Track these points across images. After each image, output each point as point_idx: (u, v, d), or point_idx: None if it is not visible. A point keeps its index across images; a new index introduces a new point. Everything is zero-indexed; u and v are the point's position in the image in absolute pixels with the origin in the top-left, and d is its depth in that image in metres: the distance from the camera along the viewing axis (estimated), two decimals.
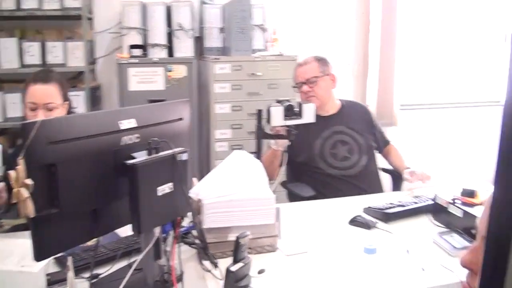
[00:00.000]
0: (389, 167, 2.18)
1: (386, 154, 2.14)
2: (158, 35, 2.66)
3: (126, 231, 1.26)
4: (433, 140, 3.35)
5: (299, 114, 1.75)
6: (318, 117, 1.89)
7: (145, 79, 2.53)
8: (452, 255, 1.38)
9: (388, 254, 1.37)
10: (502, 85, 3.50)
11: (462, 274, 0.66)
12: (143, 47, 2.64)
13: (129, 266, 1.10)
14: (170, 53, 2.71)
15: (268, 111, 1.71)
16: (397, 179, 2.11)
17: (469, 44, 3.51)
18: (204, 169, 2.76)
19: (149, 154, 1.05)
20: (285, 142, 1.82)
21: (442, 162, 3.17)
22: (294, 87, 2.08)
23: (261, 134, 1.76)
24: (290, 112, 1.74)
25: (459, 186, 1.66)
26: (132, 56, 2.56)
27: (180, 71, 2.56)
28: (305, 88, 2.00)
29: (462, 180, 1.82)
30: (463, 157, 3.35)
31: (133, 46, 2.60)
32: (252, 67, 2.59)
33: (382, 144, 2.13)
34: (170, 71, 2.55)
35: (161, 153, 1.06)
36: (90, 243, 1.17)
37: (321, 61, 2.04)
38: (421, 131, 3.33)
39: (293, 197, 1.93)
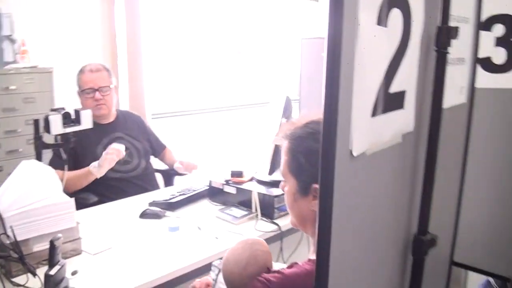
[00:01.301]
0: (162, 167, 2.41)
1: (163, 156, 2.37)
2: None
3: None
4: (189, 142, 3.74)
5: (77, 121, 1.80)
6: (99, 124, 1.99)
7: None
8: (236, 223, 1.69)
9: (184, 233, 1.59)
10: (238, 90, 4.18)
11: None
12: None
13: None
14: None
15: (47, 120, 1.70)
16: (169, 177, 2.38)
17: (208, 56, 4.04)
18: None
19: None
20: (106, 170, 1.90)
21: (207, 157, 3.57)
22: (83, 91, 2.09)
23: (41, 145, 1.73)
24: (68, 119, 1.77)
25: (228, 170, 2.00)
26: None
27: None
28: (97, 95, 2.07)
29: (229, 165, 2.18)
30: (223, 152, 3.86)
31: None
32: (5, 81, 2.42)
33: (159, 149, 2.35)
34: None
35: None
36: None
37: (109, 71, 2.16)
38: (174, 135, 3.67)
39: (79, 205, 1.95)
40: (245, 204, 1.83)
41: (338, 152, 0.60)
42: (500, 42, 1.26)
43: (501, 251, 1.29)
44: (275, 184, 1.83)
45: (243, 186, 1.87)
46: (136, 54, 3.37)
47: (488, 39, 1.25)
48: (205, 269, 1.37)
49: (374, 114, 0.68)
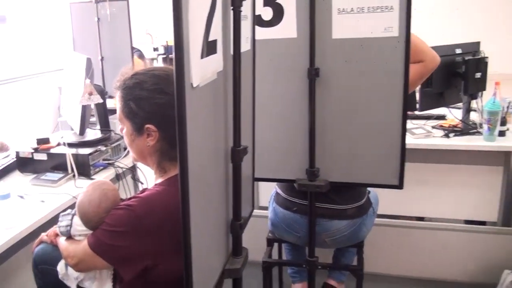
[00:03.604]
0: None
1: None
2: None
3: None
4: None
5: None
6: None
7: None
8: (55, 186, 1.81)
9: (8, 204, 1.64)
10: None
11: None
12: None
13: None
14: None
15: None
16: None
17: None
18: None
19: None
20: None
21: None
22: None
23: None
24: None
25: (32, 139, 2.05)
26: None
27: None
28: None
29: (30, 135, 2.20)
30: None
31: None
32: None
33: None
34: None
35: None
36: None
37: None
38: None
39: None
40: (59, 168, 1.94)
41: (186, 84, 0.88)
42: (266, 2, 1.67)
43: (285, 160, 1.77)
44: (86, 143, 1.98)
45: (54, 151, 1.96)
46: None
47: (258, 0, 1.65)
48: (40, 231, 1.50)
49: (202, 56, 0.98)
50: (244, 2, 1.18)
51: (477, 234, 2.69)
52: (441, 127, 2.68)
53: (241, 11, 1.15)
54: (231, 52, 1.18)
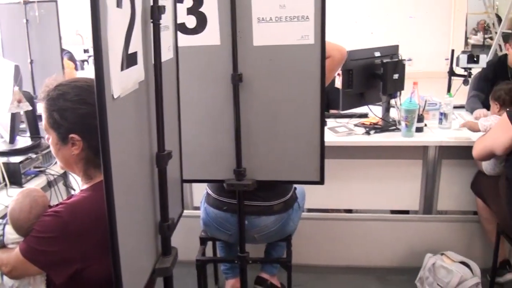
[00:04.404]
0: None
1: None
2: None
3: None
4: None
5: None
6: None
7: None
8: None
9: None
10: None
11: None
12: None
13: None
14: None
15: None
16: None
17: None
18: None
19: None
20: None
21: None
22: None
23: None
24: None
25: None
26: None
27: None
28: None
29: None
30: None
31: None
32: None
33: None
34: None
35: None
36: None
37: None
38: None
39: None
40: None
41: (106, 95, 0.96)
42: (190, 11, 1.76)
43: (214, 161, 1.87)
44: (17, 152, 1.98)
45: None
46: None
47: (181, 10, 1.74)
48: None
49: (122, 68, 1.05)
50: (165, 13, 1.27)
51: (401, 222, 2.93)
52: (362, 125, 2.87)
53: (160, 23, 1.23)
54: (153, 62, 1.26)
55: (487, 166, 2.50)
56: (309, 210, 2.98)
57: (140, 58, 1.19)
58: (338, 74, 2.71)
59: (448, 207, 2.97)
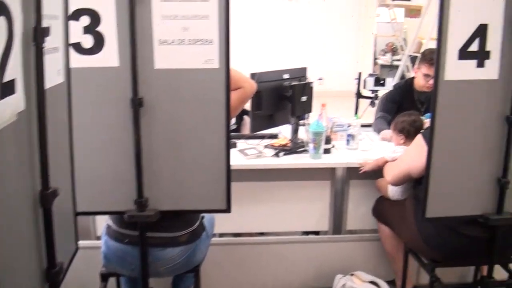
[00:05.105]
0: None
1: None
2: None
3: None
4: None
5: None
6: None
7: None
8: None
9: None
10: None
11: None
12: None
13: None
14: None
15: None
16: None
17: None
18: None
19: None
20: None
21: None
22: None
23: None
24: None
25: None
26: None
27: None
28: None
29: None
30: None
31: None
32: None
33: None
34: None
35: None
36: None
37: None
38: None
39: None
40: None
41: None
42: (86, 30, 1.65)
43: (113, 191, 1.75)
44: None
45: None
46: None
47: (77, 28, 1.62)
48: None
49: None
50: (54, 34, 1.16)
51: (311, 244, 2.95)
52: (272, 147, 2.88)
53: (43, 47, 1.12)
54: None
55: (396, 192, 2.55)
56: (220, 235, 2.92)
57: (19, 86, 1.07)
58: None
59: (357, 226, 3.04)
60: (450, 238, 2.15)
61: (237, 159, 2.71)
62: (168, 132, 1.72)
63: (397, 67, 9.94)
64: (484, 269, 2.65)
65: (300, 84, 2.81)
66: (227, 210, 1.79)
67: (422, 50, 5.25)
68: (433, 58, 2.93)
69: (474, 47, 1.74)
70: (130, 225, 1.85)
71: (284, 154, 2.79)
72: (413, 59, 8.76)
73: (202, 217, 2.08)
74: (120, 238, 1.91)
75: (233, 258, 2.84)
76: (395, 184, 2.48)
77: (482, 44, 1.74)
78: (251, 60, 6.92)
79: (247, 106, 2.67)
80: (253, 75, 2.57)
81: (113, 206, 1.78)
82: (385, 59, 11.78)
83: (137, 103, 1.66)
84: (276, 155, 2.78)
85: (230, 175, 1.76)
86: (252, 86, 2.08)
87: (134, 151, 1.70)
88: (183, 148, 1.73)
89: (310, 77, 3.01)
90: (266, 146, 2.91)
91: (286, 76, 2.88)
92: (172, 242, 1.91)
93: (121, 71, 1.67)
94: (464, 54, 1.74)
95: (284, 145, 2.86)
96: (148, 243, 1.81)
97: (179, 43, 1.64)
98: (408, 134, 2.65)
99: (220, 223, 2.43)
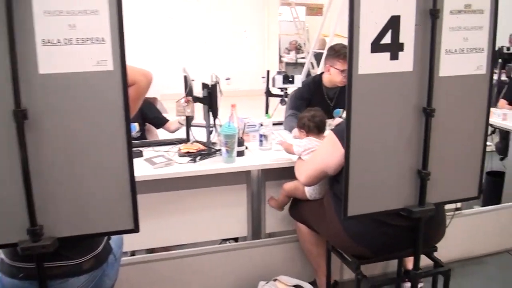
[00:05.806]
0: None
1: None
2: None
3: None
4: None
5: None
6: None
7: None
8: None
9: None
10: None
11: None
12: None
13: None
14: None
15: None
16: None
17: None
18: None
19: None
20: None
21: None
22: None
23: None
24: None
25: None
26: None
27: None
28: None
29: None
30: None
31: None
32: None
33: None
34: None
35: None
36: None
37: None
38: None
39: None
40: None
41: None
42: None
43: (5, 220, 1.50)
44: None
45: None
46: None
47: None
48: None
49: None
50: None
51: (231, 252, 2.83)
52: (188, 154, 2.70)
53: None
54: None
55: (314, 191, 2.52)
56: (131, 253, 2.71)
57: None
58: None
59: (276, 228, 2.98)
60: (380, 231, 2.13)
61: (144, 169, 2.52)
62: (60, 147, 1.50)
63: (302, 64, 10.18)
64: (407, 261, 2.71)
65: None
66: (135, 229, 1.61)
67: (326, 47, 5.35)
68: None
69: (387, 39, 1.71)
70: (25, 257, 1.61)
71: (200, 159, 2.64)
72: (317, 56, 9.01)
73: (108, 238, 1.88)
74: (15, 272, 1.66)
75: (148, 277, 2.65)
76: (310, 183, 2.43)
77: (395, 36, 1.71)
78: (153, 61, 6.67)
79: None
80: None
81: (2, 239, 1.53)
82: (289, 57, 12.03)
83: (20, 116, 1.43)
84: (193, 160, 2.62)
85: (135, 188, 1.58)
86: (147, 78, 1.86)
87: (22, 173, 1.46)
88: (79, 164, 1.52)
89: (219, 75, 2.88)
90: (180, 155, 2.73)
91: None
92: (74, 271, 1.69)
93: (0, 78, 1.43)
94: (376, 47, 1.70)
95: (199, 150, 2.70)
96: (47, 275, 1.58)
97: (66, 43, 1.44)
98: (309, 129, 2.65)
99: (131, 240, 2.23)
